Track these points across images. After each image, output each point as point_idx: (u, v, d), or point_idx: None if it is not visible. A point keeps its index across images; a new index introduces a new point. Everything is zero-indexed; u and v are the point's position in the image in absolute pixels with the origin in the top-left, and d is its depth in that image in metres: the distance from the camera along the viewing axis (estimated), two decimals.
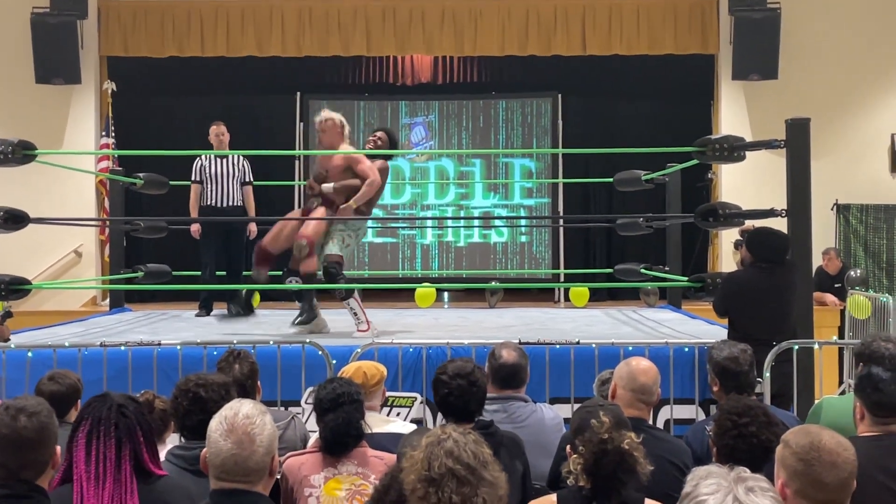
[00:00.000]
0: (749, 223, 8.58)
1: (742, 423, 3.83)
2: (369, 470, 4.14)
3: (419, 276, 13.98)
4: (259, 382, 5.17)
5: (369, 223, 14.35)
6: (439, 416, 5.33)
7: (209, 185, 9.94)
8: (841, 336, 11.31)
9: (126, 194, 11.03)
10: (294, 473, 4.18)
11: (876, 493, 3.90)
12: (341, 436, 4.19)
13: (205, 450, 3.14)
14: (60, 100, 13.91)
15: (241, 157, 10.14)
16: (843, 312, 11.86)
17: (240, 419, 3.08)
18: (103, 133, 13.95)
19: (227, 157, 9.97)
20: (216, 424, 3.10)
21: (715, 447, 3.95)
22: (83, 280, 13.24)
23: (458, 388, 4.35)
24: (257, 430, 3.08)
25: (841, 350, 10.29)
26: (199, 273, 10.22)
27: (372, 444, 4.39)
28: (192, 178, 9.98)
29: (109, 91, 13.96)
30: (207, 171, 9.94)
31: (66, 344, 6.59)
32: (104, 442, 3.31)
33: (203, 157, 9.98)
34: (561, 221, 14.03)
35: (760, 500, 1.79)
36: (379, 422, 4.88)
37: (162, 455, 4.06)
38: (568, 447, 3.72)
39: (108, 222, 12.41)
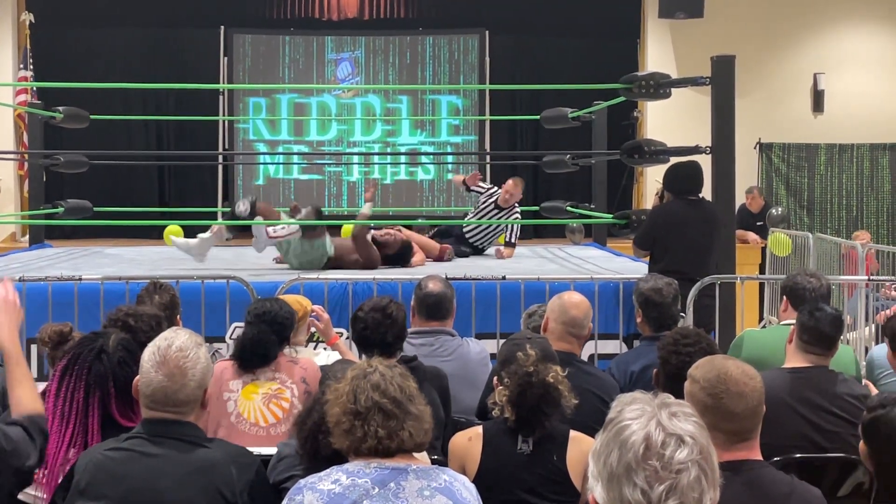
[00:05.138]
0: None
1: (683, 343, 3.89)
2: (285, 375, 4.21)
3: (346, 213, 13.92)
4: (179, 317, 5.13)
5: (295, 159, 14.32)
6: None
7: None
8: (762, 273, 11.48)
9: (45, 128, 10.77)
10: (217, 377, 4.20)
11: (796, 424, 3.98)
12: (247, 352, 4.23)
13: (137, 377, 3.12)
14: None
15: None
16: (764, 250, 12.04)
17: (172, 352, 3.05)
18: (21, 65, 13.62)
19: None
20: (149, 354, 3.08)
21: (657, 368, 4.00)
22: (2, 215, 12.98)
23: (372, 320, 4.34)
24: (189, 363, 3.06)
25: (762, 286, 10.46)
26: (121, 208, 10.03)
27: None
28: None
29: (27, 22, 13.61)
30: None
31: None
32: (75, 383, 3.29)
33: None
34: (488, 158, 14.02)
35: (683, 425, 1.80)
36: (307, 355, 4.89)
37: None
38: (495, 378, 3.74)
39: (26, 156, 12.14)
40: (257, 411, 4.14)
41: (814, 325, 4.17)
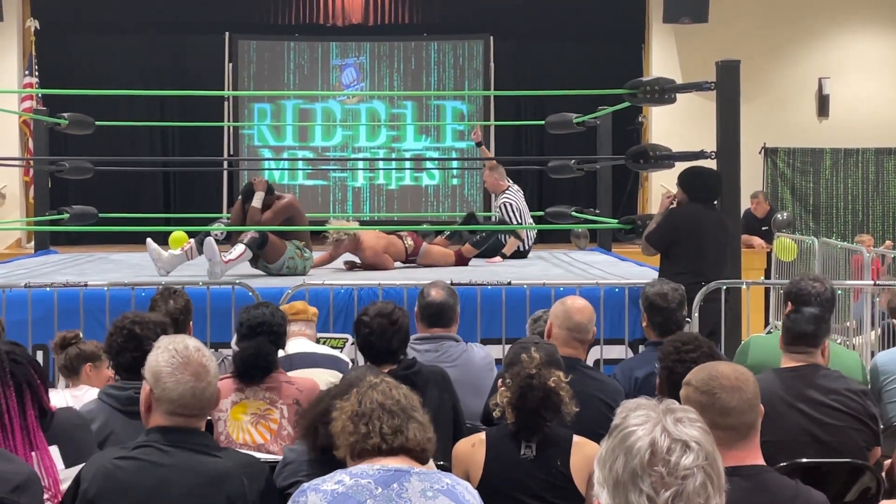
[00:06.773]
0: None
1: (685, 350, 3.88)
2: (277, 395, 4.17)
3: (350, 218, 13.91)
4: (191, 323, 5.14)
5: (300, 165, 14.34)
6: None
7: None
8: (767, 278, 11.47)
9: (50, 135, 10.78)
10: None
11: (795, 420, 3.98)
12: (249, 366, 4.19)
13: (147, 387, 3.05)
14: None
15: None
16: (769, 255, 12.02)
17: (192, 351, 3.02)
18: (26, 72, 13.63)
19: None
20: (166, 359, 3.00)
21: (658, 375, 4.01)
22: (7, 221, 12.99)
23: (378, 326, 4.33)
24: (208, 360, 3.04)
25: (767, 290, 10.44)
26: (126, 214, 10.02)
27: (308, 363, 4.56)
28: None
29: (32, 29, 13.64)
30: None
31: None
32: (4, 393, 3.21)
33: None
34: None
35: (688, 430, 1.80)
36: (315, 351, 5.07)
37: (89, 397, 4.03)
38: (499, 381, 3.75)
39: (31, 162, 12.15)
40: (245, 432, 4.11)
41: (791, 326, 4.18)
